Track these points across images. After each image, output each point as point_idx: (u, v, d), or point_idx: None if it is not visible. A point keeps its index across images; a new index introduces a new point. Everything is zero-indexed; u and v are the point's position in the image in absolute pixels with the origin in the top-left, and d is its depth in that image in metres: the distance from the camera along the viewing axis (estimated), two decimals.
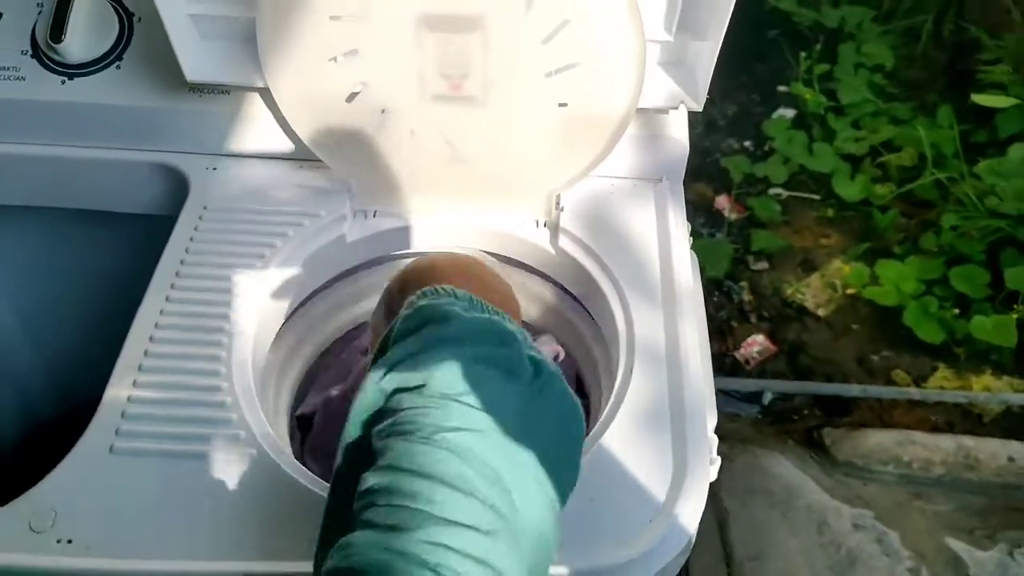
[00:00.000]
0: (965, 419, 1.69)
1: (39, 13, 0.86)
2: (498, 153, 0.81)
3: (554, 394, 0.51)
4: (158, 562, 0.62)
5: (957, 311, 1.74)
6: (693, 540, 0.68)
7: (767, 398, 1.73)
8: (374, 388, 0.50)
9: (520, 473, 0.46)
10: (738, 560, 1.50)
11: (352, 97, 0.78)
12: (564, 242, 0.84)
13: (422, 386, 0.48)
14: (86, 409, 0.70)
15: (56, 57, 0.85)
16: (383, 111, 0.79)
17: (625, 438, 0.69)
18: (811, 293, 1.89)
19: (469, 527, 0.42)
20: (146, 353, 0.73)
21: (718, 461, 0.71)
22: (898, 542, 1.51)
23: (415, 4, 0.72)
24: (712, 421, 0.72)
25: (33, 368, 1.20)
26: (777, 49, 2.28)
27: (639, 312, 0.76)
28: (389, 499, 0.44)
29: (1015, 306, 1.70)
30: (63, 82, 0.85)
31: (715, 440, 0.72)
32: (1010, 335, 1.67)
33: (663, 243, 0.82)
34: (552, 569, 0.60)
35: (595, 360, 0.87)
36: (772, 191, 2.06)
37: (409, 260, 0.93)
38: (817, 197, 2.05)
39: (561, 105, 0.77)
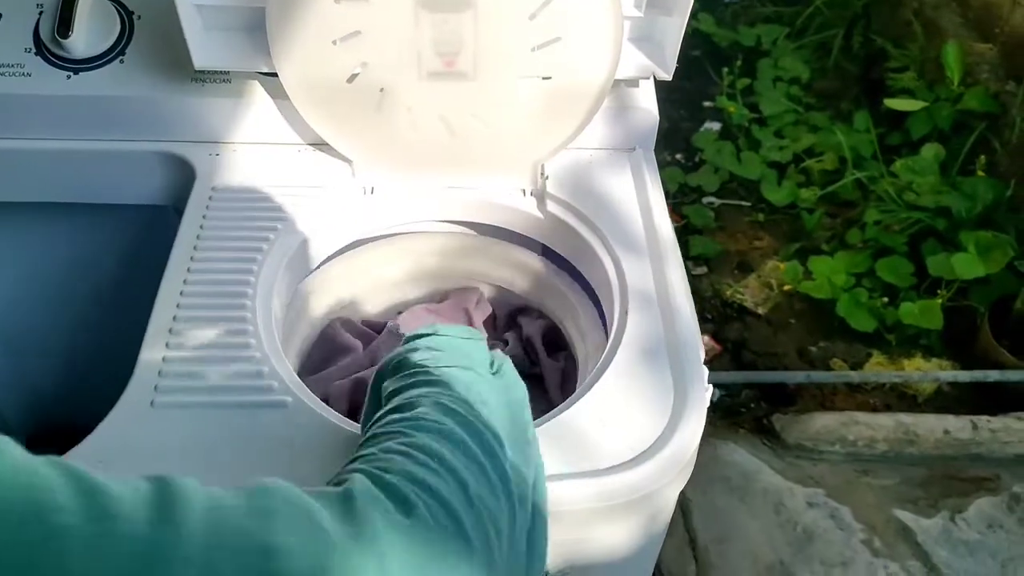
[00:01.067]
0: (901, 401, 1.78)
1: (40, 13, 0.90)
2: (488, 126, 0.87)
3: (509, 379, 0.63)
4: None
5: (886, 300, 1.83)
6: (695, 457, 0.74)
7: (715, 395, 1.81)
8: (380, 383, 0.63)
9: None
10: (703, 544, 1.55)
11: (352, 77, 0.84)
12: (552, 207, 0.90)
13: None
14: (61, 432, 0.72)
15: (62, 53, 0.88)
16: (382, 90, 0.84)
17: (628, 367, 0.76)
18: (749, 293, 1.97)
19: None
20: (174, 319, 0.76)
21: (711, 389, 0.78)
22: (850, 516, 1.57)
23: None
24: (702, 353, 0.79)
25: (5, 384, 1.20)
26: (700, 67, 2.41)
27: (628, 261, 0.83)
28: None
29: (939, 291, 1.80)
30: (68, 77, 0.89)
31: (706, 371, 0.79)
32: (936, 319, 1.77)
33: (643, 201, 0.89)
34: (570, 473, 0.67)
35: (578, 314, 0.94)
36: (705, 199, 2.15)
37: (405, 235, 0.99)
38: (747, 203, 2.15)
39: (545, 78, 0.84)
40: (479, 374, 0.60)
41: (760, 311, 1.94)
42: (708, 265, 2.04)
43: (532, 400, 0.94)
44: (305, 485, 0.65)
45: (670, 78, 0.87)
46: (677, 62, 0.87)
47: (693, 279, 2.00)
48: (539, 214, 0.91)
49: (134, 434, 0.69)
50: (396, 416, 0.54)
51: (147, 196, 0.94)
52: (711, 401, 1.75)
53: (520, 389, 0.63)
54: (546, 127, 0.88)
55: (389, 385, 0.60)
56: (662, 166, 2.21)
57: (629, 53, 0.87)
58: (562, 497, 0.67)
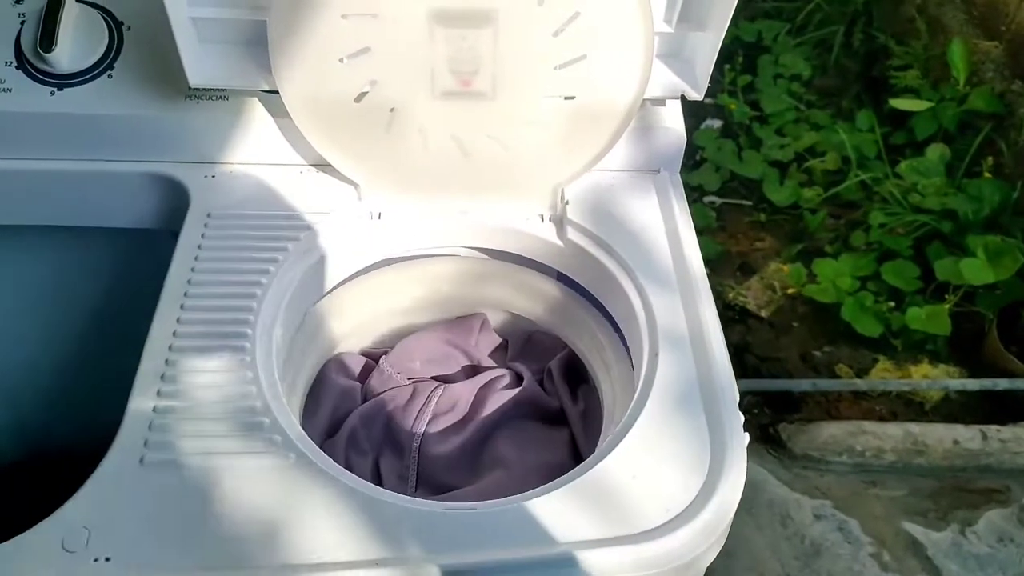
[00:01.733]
0: (908, 408, 1.75)
1: (22, 23, 0.83)
2: (505, 148, 0.82)
3: None
4: (205, 573, 0.60)
5: (892, 304, 1.79)
6: (736, 507, 0.69)
7: None
8: None
9: None
10: None
11: (361, 96, 0.77)
12: (572, 234, 0.85)
13: None
14: (50, 459, 0.67)
15: (45, 67, 0.82)
16: (392, 110, 0.78)
17: (660, 417, 0.70)
18: (752, 295, 1.93)
19: None
20: (166, 363, 0.70)
21: (747, 437, 0.73)
22: (858, 529, 1.54)
23: (427, 0, 0.72)
24: (736, 396, 0.74)
25: None
26: None
27: (657, 297, 0.78)
28: None
29: (946, 296, 1.77)
30: (52, 93, 0.82)
31: (742, 417, 0.74)
32: (944, 324, 1.74)
33: (670, 230, 0.84)
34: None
35: (603, 347, 0.88)
36: (707, 199, 2.11)
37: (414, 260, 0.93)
38: (749, 202, 2.11)
39: (568, 98, 0.79)
40: None
41: (763, 314, 1.91)
42: (710, 266, 1.98)
43: (549, 438, 0.90)
44: (308, 546, 0.61)
45: (701, 98, 0.82)
46: None
47: None
48: (559, 242, 0.85)
49: (123, 495, 0.63)
50: None
51: (138, 219, 0.88)
52: None
53: None
54: (568, 149, 0.82)
55: None
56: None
57: (658, 71, 0.82)
58: (593, 565, 0.62)
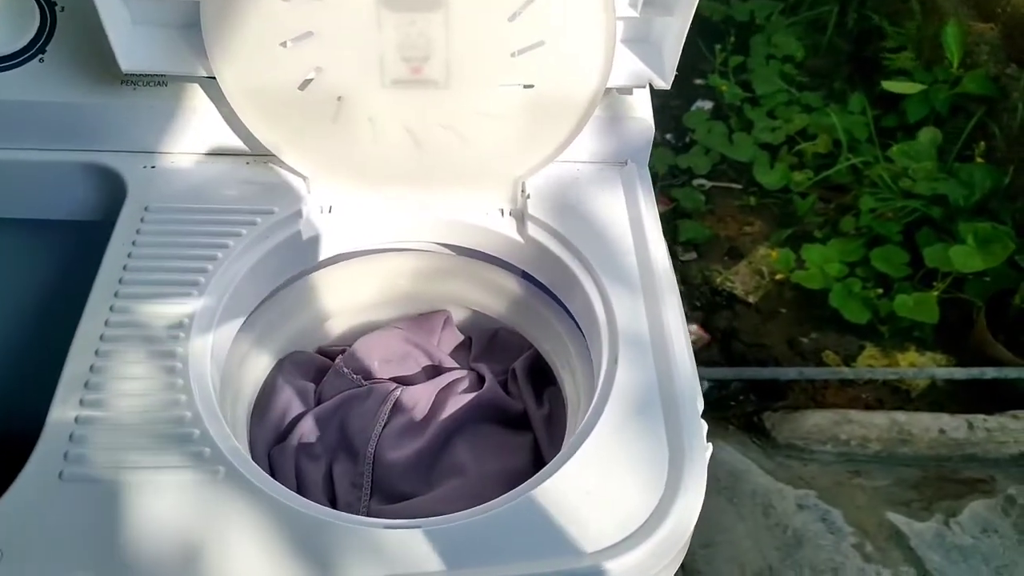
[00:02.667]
0: (894, 396, 1.73)
1: None
2: (461, 139, 0.77)
3: None
4: None
5: (880, 291, 1.76)
6: (694, 523, 0.66)
7: (704, 387, 1.74)
8: None
9: None
10: (689, 548, 1.49)
11: (305, 84, 0.73)
12: (533, 230, 0.80)
13: None
14: None
15: None
16: (339, 98, 0.74)
17: (618, 427, 0.67)
18: (740, 280, 1.90)
19: None
20: (92, 369, 0.66)
21: (710, 448, 0.69)
22: (841, 519, 1.52)
23: None
24: (700, 404, 0.70)
25: None
26: (692, 43, 2.29)
27: (618, 298, 0.74)
28: None
29: (934, 283, 1.74)
30: None
31: (704, 425, 0.70)
32: (932, 312, 1.71)
33: (635, 226, 0.80)
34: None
35: (567, 348, 0.84)
36: (696, 182, 2.07)
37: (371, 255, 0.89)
38: (739, 186, 2.07)
39: (527, 86, 0.74)
40: None
41: (751, 299, 1.88)
42: (698, 251, 1.96)
43: (510, 443, 0.87)
44: (238, 568, 0.57)
45: (669, 87, 0.77)
46: None
47: (682, 265, 1.93)
48: (519, 238, 0.81)
49: (40, 513, 0.60)
50: None
51: (72, 211, 0.84)
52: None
53: None
54: (528, 141, 0.78)
55: None
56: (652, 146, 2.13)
57: (622, 58, 0.77)
58: None
